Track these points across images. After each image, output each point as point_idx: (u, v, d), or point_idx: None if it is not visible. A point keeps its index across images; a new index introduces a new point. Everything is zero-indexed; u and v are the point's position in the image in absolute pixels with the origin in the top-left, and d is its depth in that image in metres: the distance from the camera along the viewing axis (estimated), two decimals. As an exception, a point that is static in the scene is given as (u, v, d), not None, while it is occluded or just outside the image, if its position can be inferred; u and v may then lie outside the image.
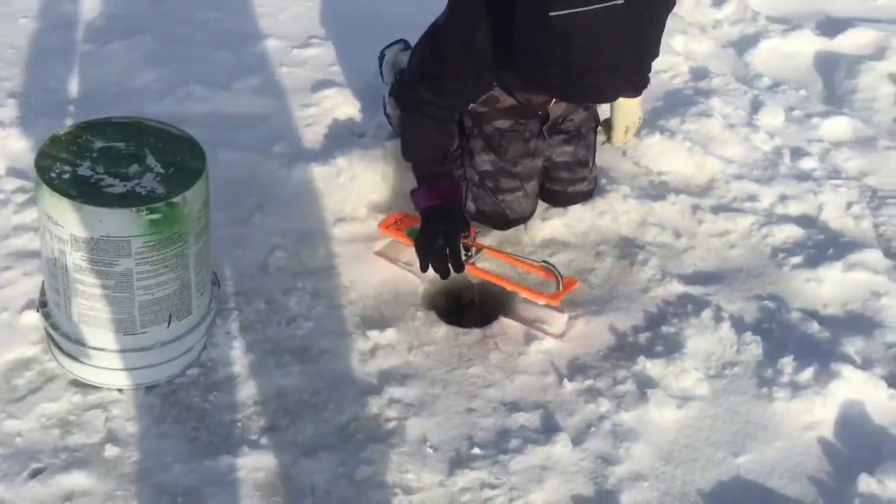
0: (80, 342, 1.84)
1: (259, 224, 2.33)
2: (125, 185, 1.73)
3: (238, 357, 2.01)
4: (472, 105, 2.36)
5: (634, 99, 2.58)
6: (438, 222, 2.14)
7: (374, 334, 2.09)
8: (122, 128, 1.87)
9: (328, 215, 2.40)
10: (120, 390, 1.91)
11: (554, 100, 2.31)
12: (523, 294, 2.19)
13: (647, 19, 1.89)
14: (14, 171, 2.42)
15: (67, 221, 1.68)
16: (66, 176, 1.72)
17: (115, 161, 1.78)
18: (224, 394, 1.93)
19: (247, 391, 1.94)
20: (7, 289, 2.09)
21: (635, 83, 2.19)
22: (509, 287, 2.19)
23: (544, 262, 2.19)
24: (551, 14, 1.77)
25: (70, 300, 1.79)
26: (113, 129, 1.86)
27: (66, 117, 2.63)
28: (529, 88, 2.18)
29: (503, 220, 2.39)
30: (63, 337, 1.86)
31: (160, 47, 2.94)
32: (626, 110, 2.60)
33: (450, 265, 2.12)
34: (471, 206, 2.38)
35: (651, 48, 2.04)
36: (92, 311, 1.79)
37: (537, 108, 2.35)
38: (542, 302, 2.16)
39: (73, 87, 2.77)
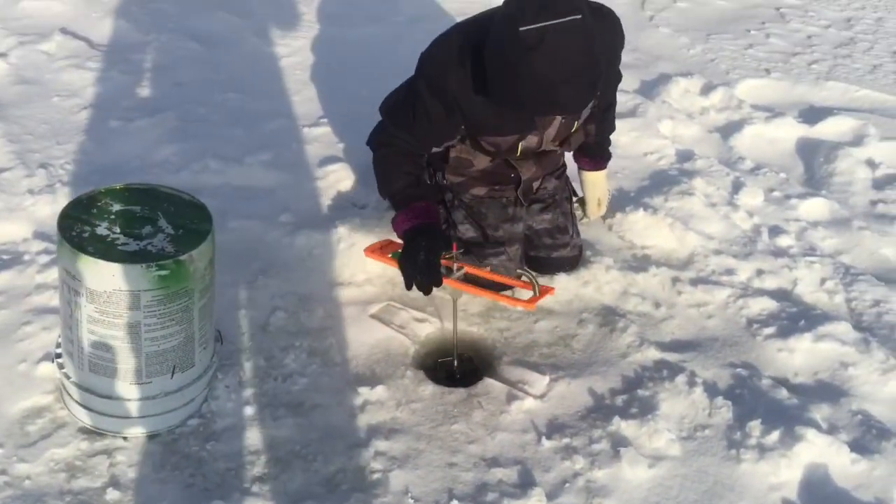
0: (90, 390, 1.98)
1: (263, 286, 2.49)
2: (138, 244, 1.90)
3: (236, 409, 2.14)
4: (448, 177, 2.56)
5: (601, 173, 2.74)
6: (419, 240, 2.24)
7: (364, 391, 2.22)
8: (138, 193, 2.06)
9: (327, 280, 2.56)
10: (125, 438, 2.03)
11: (521, 152, 2.42)
12: (502, 302, 2.33)
13: (597, 34, 2.10)
14: (40, 235, 2.61)
15: (84, 275, 1.85)
16: (86, 235, 1.89)
17: (131, 223, 1.95)
18: (221, 444, 2.06)
19: (242, 441, 2.07)
20: (27, 342, 2.24)
21: (593, 87, 2.19)
22: (488, 297, 2.31)
23: (522, 271, 2.37)
24: (521, 29, 2.01)
25: (83, 350, 1.94)
26: (130, 195, 2.04)
27: (90, 186, 2.75)
28: (499, 115, 2.27)
29: (489, 285, 2.52)
30: (74, 385, 2.00)
31: (181, 125, 3.16)
32: (595, 184, 2.76)
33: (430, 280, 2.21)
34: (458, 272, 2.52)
35: (599, 57, 2.14)
36: (102, 361, 1.94)
37: (507, 159, 2.49)
38: (519, 307, 2.32)
39: (99, 159, 2.98)
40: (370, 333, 2.41)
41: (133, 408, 2.00)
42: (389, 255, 2.38)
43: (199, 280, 1.95)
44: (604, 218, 2.86)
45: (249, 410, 2.14)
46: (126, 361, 1.94)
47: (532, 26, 2.00)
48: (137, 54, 3.64)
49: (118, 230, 1.93)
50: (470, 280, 2.33)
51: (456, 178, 2.60)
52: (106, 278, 1.84)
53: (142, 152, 3.03)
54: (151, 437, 2.05)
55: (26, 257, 2.52)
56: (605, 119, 2.69)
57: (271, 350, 2.32)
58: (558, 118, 2.37)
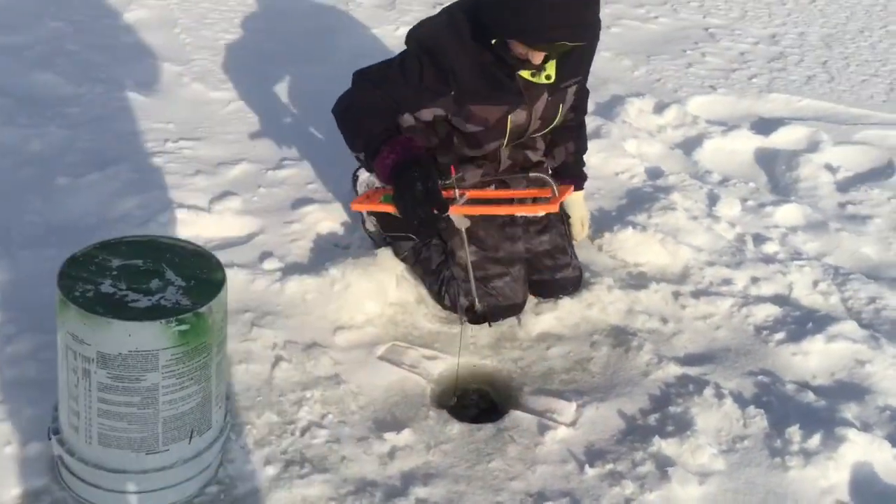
0: (100, 465, 1.79)
1: (259, 338, 2.33)
2: (150, 300, 1.73)
3: (256, 471, 1.97)
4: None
5: (580, 194, 2.72)
6: (412, 171, 2.12)
7: (390, 436, 2.09)
8: (136, 246, 1.89)
9: (326, 325, 2.42)
10: (139, 514, 1.84)
11: (510, 129, 2.38)
12: (521, 212, 2.25)
13: None
14: (2, 304, 2.37)
15: (95, 339, 1.67)
16: (90, 294, 1.71)
17: (136, 277, 1.78)
18: (248, 509, 1.89)
19: (271, 504, 1.90)
20: (8, 422, 2.01)
21: (591, 26, 2.23)
22: (503, 211, 2.21)
23: (532, 175, 2.29)
24: None
25: (91, 422, 1.75)
26: (127, 248, 1.87)
27: (49, 248, 2.61)
28: (490, 83, 2.28)
29: (497, 310, 2.44)
30: (80, 462, 1.80)
31: (137, 176, 2.97)
32: (576, 205, 2.72)
33: (434, 210, 2.10)
34: (464, 301, 2.43)
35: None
36: (115, 432, 1.75)
37: (499, 178, 2.49)
38: (541, 213, 2.27)
39: (53, 219, 2.76)
40: (382, 376, 2.28)
41: (149, 481, 1.81)
42: (380, 200, 2.21)
43: (217, 333, 1.79)
44: (591, 239, 2.83)
45: (271, 470, 1.98)
46: (142, 429, 1.76)
47: None
48: (72, 107, 3.42)
49: (124, 286, 1.75)
50: (476, 203, 2.22)
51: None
52: (121, 339, 1.66)
53: (98, 208, 2.83)
54: (169, 510, 1.86)
55: (-10, 329, 2.29)
56: (580, 136, 2.70)
57: (282, 404, 2.16)
58: (545, 95, 2.36)
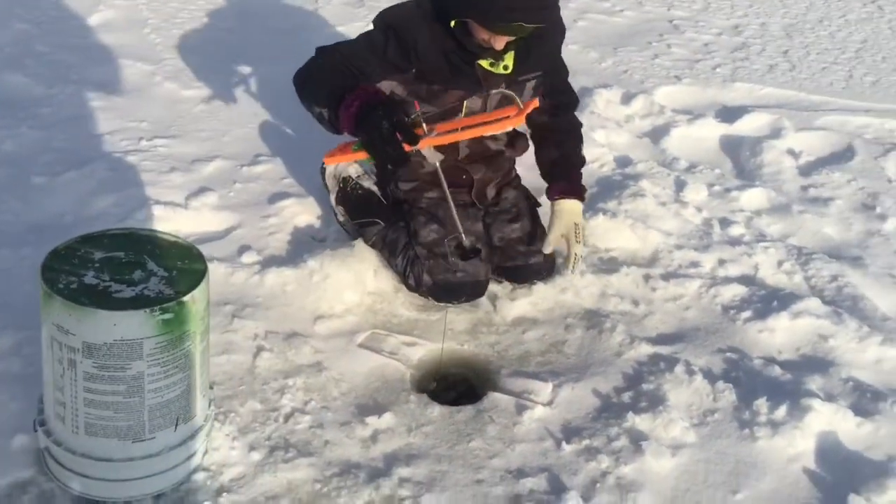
0: (87, 455, 1.82)
1: (240, 329, 2.37)
2: (133, 290, 1.77)
3: (242, 457, 2.01)
4: (401, 186, 2.59)
5: (573, 202, 2.58)
6: (377, 111, 2.12)
7: (372, 420, 2.13)
8: (117, 238, 1.92)
9: (306, 315, 2.46)
10: (128, 502, 1.87)
11: (465, 111, 2.43)
12: (488, 131, 2.29)
13: None
14: (-20, 301, 2.39)
15: (80, 329, 1.70)
16: (74, 286, 1.74)
17: (118, 269, 1.81)
18: (234, 494, 1.92)
19: (257, 489, 1.94)
20: (-10, 416, 2.04)
21: (548, 8, 2.29)
22: (472, 134, 2.24)
23: (498, 91, 2.33)
24: None
25: (77, 412, 1.78)
26: (109, 241, 1.90)
27: (26, 246, 2.62)
28: (451, 68, 2.34)
29: (459, 287, 2.49)
30: (67, 452, 1.83)
31: (113, 174, 2.99)
32: (563, 214, 2.56)
33: (403, 144, 2.10)
34: (427, 279, 2.49)
35: None
36: (101, 421, 1.78)
37: (457, 164, 2.55)
38: (509, 127, 2.30)
39: (29, 217, 2.77)
40: (362, 363, 2.33)
41: (136, 468, 1.84)
42: (352, 150, 2.24)
43: (199, 322, 1.83)
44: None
45: (256, 456, 2.01)
46: (128, 418, 1.79)
47: None
48: (44, 108, 3.43)
49: (108, 277, 1.79)
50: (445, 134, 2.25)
51: (408, 185, 2.60)
52: (106, 329, 1.69)
53: (75, 206, 2.84)
54: (157, 497, 1.89)
55: (-31, 326, 2.30)
56: (563, 142, 2.69)
57: (265, 392, 2.20)
58: (502, 86, 2.42)
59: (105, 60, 3.87)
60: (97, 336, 1.70)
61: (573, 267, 2.53)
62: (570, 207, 2.59)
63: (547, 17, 2.29)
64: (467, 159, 2.60)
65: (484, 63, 2.39)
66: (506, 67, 2.41)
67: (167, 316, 1.74)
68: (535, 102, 2.34)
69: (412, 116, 2.19)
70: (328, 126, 2.35)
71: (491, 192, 2.68)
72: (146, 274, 1.82)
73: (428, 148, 2.23)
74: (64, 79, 3.65)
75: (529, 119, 2.55)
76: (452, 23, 2.30)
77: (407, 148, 2.14)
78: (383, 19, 2.42)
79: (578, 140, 2.75)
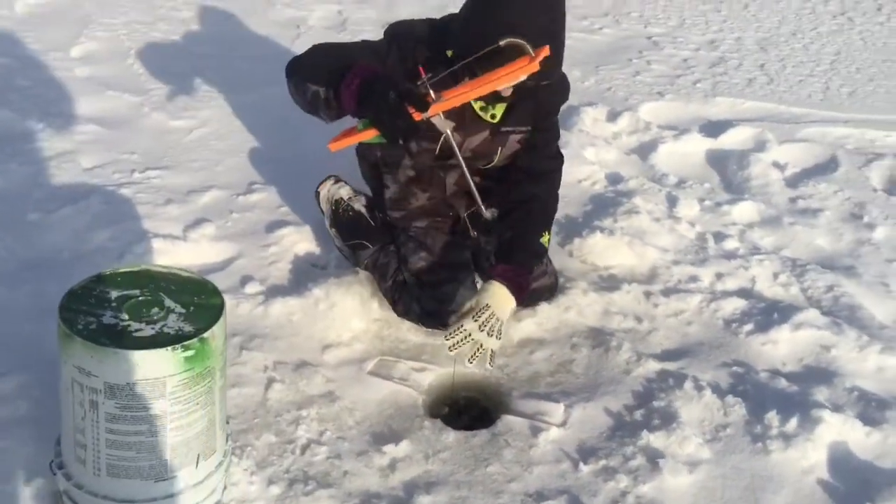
0: (109, 496, 1.80)
1: (249, 361, 2.36)
2: (153, 328, 1.76)
3: (261, 492, 2.00)
4: (391, 213, 2.57)
5: (502, 289, 2.26)
6: (379, 82, 2.04)
7: (389, 448, 2.13)
8: (131, 276, 1.91)
9: (314, 344, 2.46)
10: (150, 542, 1.85)
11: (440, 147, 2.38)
12: (501, 84, 2.07)
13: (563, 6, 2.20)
14: (-17, 341, 2.36)
15: (102, 370, 1.69)
16: (94, 326, 1.73)
17: (136, 307, 1.81)
18: (257, 529, 1.92)
19: (279, 523, 1.93)
20: (3, 461, 2.01)
21: (558, 61, 2.22)
22: (484, 89, 2.07)
23: (503, 44, 2.08)
24: None
25: (99, 453, 1.76)
26: (123, 279, 1.89)
27: (25, 284, 2.60)
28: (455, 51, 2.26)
29: (449, 315, 2.45)
30: (89, 495, 1.81)
31: (108, 208, 2.97)
32: (488, 294, 2.25)
33: (412, 113, 2.02)
34: (416, 307, 2.51)
35: (564, 31, 2.23)
36: (124, 462, 1.77)
37: (444, 199, 2.52)
38: (522, 76, 2.06)
39: (26, 255, 2.74)
40: (374, 391, 2.33)
41: (158, 508, 1.83)
42: (357, 130, 2.11)
43: (219, 357, 1.82)
44: (561, 245, 2.91)
45: (276, 490, 2.01)
46: (151, 457, 1.78)
47: None
48: (31, 143, 3.39)
49: (126, 317, 1.78)
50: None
51: (398, 214, 2.61)
52: (128, 369, 1.68)
53: (72, 242, 2.81)
54: (179, 537, 1.88)
55: (-27, 369, 2.27)
56: (528, 214, 2.46)
57: (279, 424, 2.19)
58: (486, 132, 2.40)
59: (90, 93, 3.85)
60: (119, 376, 1.69)
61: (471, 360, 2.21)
62: (496, 292, 2.24)
63: (552, 74, 2.22)
64: (454, 196, 2.59)
65: (475, 104, 2.36)
66: (493, 116, 2.39)
67: (189, 353, 1.73)
68: (546, 49, 2.09)
69: (418, 83, 2.09)
70: (324, 108, 2.21)
71: (492, 213, 2.60)
72: (164, 311, 1.81)
73: (438, 116, 2.12)
74: (50, 113, 3.62)
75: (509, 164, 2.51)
76: (449, 53, 2.27)
77: (417, 117, 2.05)
78: (392, 30, 2.39)
79: (541, 220, 2.50)
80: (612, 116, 3.84)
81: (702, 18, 5.14)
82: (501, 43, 2.09)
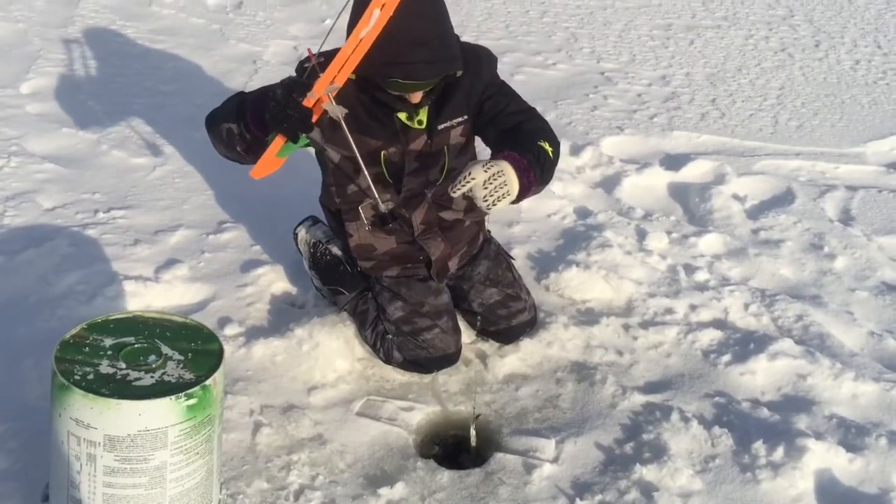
0: (105, 553, 1.73)
1: (234, 405, 2.31)
2: (152, 377, 1.71)
3: (257, 541, 1.96)
4: (361, 263, 2.56)
5: (507, 165, 2.11)
6: (269, 91, 2.08)
7: (384, 491, 2.11)
8: (123, 323, 1.86)
9: (299, 385, 2.42)
10: None
11: (384, 162, 2.38)
12: (362, 31, 2.03)
13: (443, 6, 2.22)
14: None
15: (101, 422, 1.63)
16: (91, 377, 1.68)
17: (132, 355, 1.76)
18: (256, 580, 1.87)
19: (279, 572, 1.89)
20: (-15, 517, 1.93)
21: (448, 60, 2.23)
22: (350, 48, 2.05)
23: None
24: None
25: (94, 508, 1.70)
26: (116, 326, 1.84)
27: (-8, 331, 2.51)
28: (368, 114, 2.30)
29: (429, 361, 2.50)
30: (82, 552, 1.74)
31: (75, 251, 2.89)
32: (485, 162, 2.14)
33: (302, 101, 2.01)
34: (397, 355, 2.50)
35: (450, 31, 2.25)
36: (120, 515, 1.71)
37: (415, 239, 2.51)
38: (377, 12, 2.02)
39: (-9, 300, 2.65)
40: (363, 431, 2.31)
41: (155, 563, 1.77)
42: (267, 141, 2.10)
43: (219, 404, 1.79)
44: (537, 280, 2.93)
45: (272, 538, 1.96)
46: (149, 510, 1.72)
47: None
48: (-12, 183, 3.30)
49: (124, 365, 1.73)
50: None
51: (367, 264, 2.59)
52: (130, 420, 1.64)
53: (39, 286, 2.73)
54: (176, 592, 1.81)
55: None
56: (519, 134, 2.35)
57: (270, 470, 2.15)
58: (423, 137, 2.40)
59: (46, 130, 3.76)
60: (120, 428, 1.64)
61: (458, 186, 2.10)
62: (507, 165, 2.12)
63: (447, 67, 2.23)
64: (423, 235, 2.55)
65: (402, 115, 2.37)
66: (420, 122, 2.39)
67: (192, 401, 1.69)
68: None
69: (306, 66, 2.09)
70: (239, 141, 2.22)
71: (454, 263, 2.62)
72: (161, 359, 1.77)
73: (330, 102, 2.08)
74: (5, 152, 3.53)
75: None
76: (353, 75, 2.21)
77: (308, 103, 2.03)
78: (301, 64, 2.35)
79: (536, 131, 2.36)
80: (576, 150, 3.90)
81: (651, 54, 5.28)
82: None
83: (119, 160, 3.58)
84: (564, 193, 3.56)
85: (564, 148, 3.90)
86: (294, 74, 2.31)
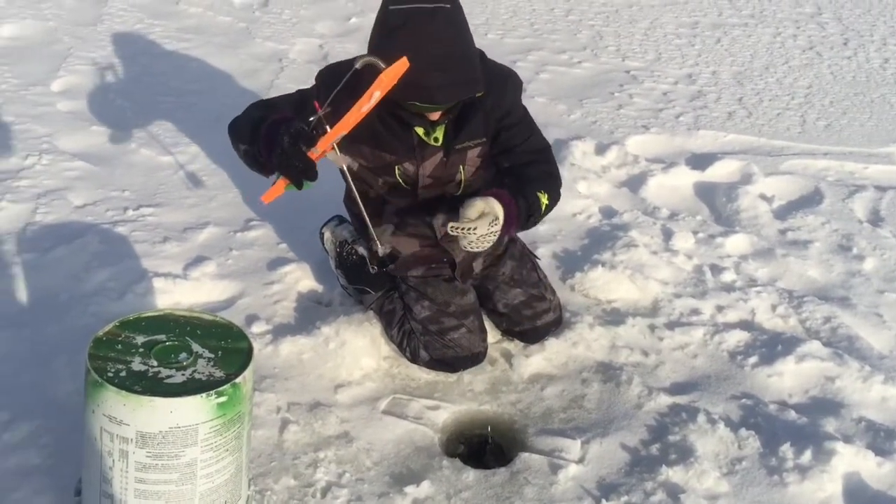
0: (136, 547, 1.76)
1: (262, 402, 2.33)
2: (183, 374, 1.74)
3: (285, 537, 1.98)
4: (389, 267, 2.54)
5: (494, 202, 2.20)
6: (277, 129, 2.06)
7: (410, 489, 2.12)
8: (155, 321, 1.88)
9: (326, 383, 2.44)
10: None
11: (399, 176, 2.39)
12: (362, 104, 2.05)
13: (464, 27, 2.21)
14: (-13, 391, 2.30)
15: (134, 418, 1.66)
16: (124, 374, 1.70)
17: (164, 353, 1.78)
18: (284, 577, 1.89)
19: (307, 569, 1.91)
20: (20, 510, 1.96)
21: (466, 83, 2.22)
22: (352, 115, 2.06)
23: (362, 59, 2.10)
24: (390, 7, 2.14)
25: (126, 503, 1.73)
26: (148, 324, 1.87)
27: (24, 327, 2.55)
28: (384, 128, 2.28)
29: (455, 361, 2.51)
30: (114, 546, 1.77)
31: (105, 248, 2.92)
32: (483, 200, 2.21)
33: (307, 152, 2.02)
34: (424, 355, 2.51)
35: (471, 53, 2.24)
36: (152, 511, 1.73)
37: (440, 244, 2.50)
38: (377, 94, 2.04)
39: (24, 297, 2.69)
40: (389, 430, 2.32)
41: (185, 558, 1.79)
42: (273, 180, 2.12)
43: (248, 402, 1.80)
44: (563, 280, 2.93)
45: (300, 535, 1.98)
46: (179, 506, 1.75)
47: (400, 7, 2.13)
48: (22, 180, 3.34)
49: (155, 363, 1.75)
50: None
51: (392, 265, 2.59)
52: (162, 417, 1.66)
53: (70, 283, 2.77)
54: (205, 587, 1.84)
55: (-18, 417, 2.22)
56: (519, 180, 2.39)
57: (297, 467, 2.16)
58: (439, 154, 2.39)
59: (76, 128, 3.80)
60: (152, 424, 1.67)
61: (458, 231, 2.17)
62: (495, 204, 2.20)
63: (466, 91, 2.23)
64: (447, 237, 2.50)
65: (419, 130, 2.36)
66: (436, 139, 2.39)
67: (222, 399, 1.71)
68: (404, 62, 2.04)
69: (311, 119, 2.09)
70: (255, 164, 2.24)
71: (478, 265, 2.62)
72: (192, 356, 1.79)
73: (333, 151, 2.11)
74: (37, 149, 3.57)
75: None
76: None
77: (313, 156, 2.05)
78: (321, 75, 2.37)
79: (537, 178, 2.41)
80: (601, 150, 3.89)
81: (677, 52, 5.25)
82: (357, 66, 2.11)
83: (148, 158, 3.62)
84: (590, 193, 3.55)
85: (590, 147, 3.91)
86: (320, 82, 2.32)
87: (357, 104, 2.08)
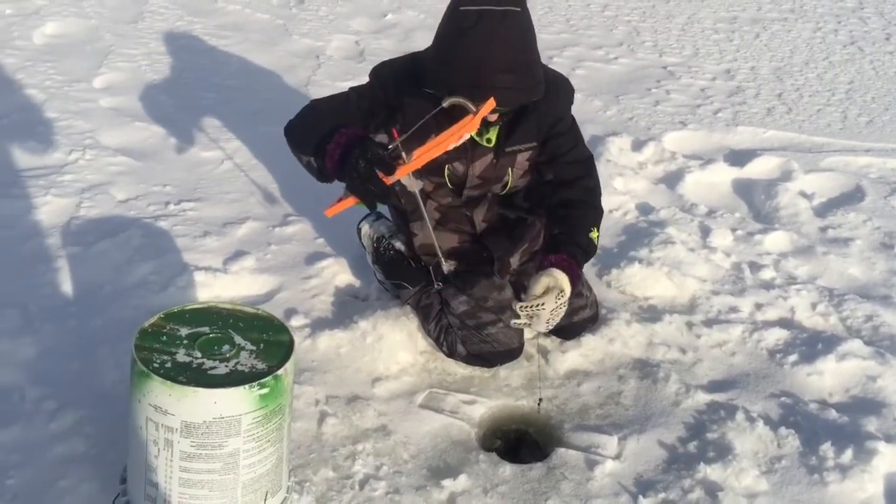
0: (180, 535, 1.79)
1: (300, 395, 2.36)
2: (226, 366, 1.76)
3: (324, 528, 2.00)
4: (423, 258, 2.57)
5: (559, 274, 2.29)
6: (352, 152, 2.09)
7: (448, 483, 2.13)
8: (198, 314, 1.91)
9: (363, 377, 2.46)
10: (218, 581, 1.84)
11: (448, 177, 2.44)
12: (449, 142, 2.12)
13: (531, 31, 2.25)
14: (35, 380, 2.35)
15: (179, 408, 1.69)
16: (169, 365, 1.74)
17: (207, 345, 1.81)
18: (323, 566, 1.91)
19: (345, 560, 1.93)
20: (67, 498, 2.00)
21: (532, 87, 2.26)
22: (435, 149, 2.12)
23: (453, 99, 2.17)
24: (461, 8, 2.18)
25: (171, 492, 1.76)
26: (191, 316, 1.90)
27: (69, 319, 2.60)
28: (435, 124, 2.27)
29: (492, 356, 2.52)
30: (158, 533, 1.80)
31: (148, 241, 2.97)
32: (546, 276, 2.30)
33: (383, 177, 2.06)
34: (461, 349, 2.52)
35: (536, 57, 2.28)
36: (195, 500, 1.76)
37: (478, 239, 2.54)
38: (466, 134, 2.11)
39: (69, 289, 2.74)
40: (426, 424, 2.34)
41: (227, 547, 1.83)
42: (342, 197, 2.17)
43: (289, 394, 1.83)
44: (599, 276, 2.93)
45: (339, 526, 2.01)
46: (222, 496, 1.77)
47: (471, 7, 2.17)
48: (66, 175, 3.40)
49: (199, 354, 1.78)
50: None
51: (430, 259, 2.60)
52: (206, 407, 1.69)
53: (113, 276, 2.82)
54: (246, 575, 1.87)
55: (27, 406, 2.27)
56: (566, 217, 2.44)
57: (335, 459, 2.19)
58: (489, 156, 2.42)
59: (118, 124, 3.87)
60: (196, 414, 1.69)
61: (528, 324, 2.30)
62: (563, 279, 2.29)
63: (530, 95, 2.26)
64: (486, 233, 2.58)
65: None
66: (488, 140, 2.42)
67: (264, 391, 1.74)
68: (492, 103, 2.13)
69: (390, 147, 2.14)
70: (317, 175, 2.30)
71: (515, 260, 2.62)
72: (235, 349, 1.82)
73: (407, 176, 2.19)
74: (80, 144, 3.64)
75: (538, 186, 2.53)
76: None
77: (387, 181, 2.10)
78: (376, 73, 2.42)
79: (584, 218, 2.45)
80: (637, 146, 3.87)
81: (715, 48, 5.21)
82: (445, 104, 2.19)
83: (188, 154, 3.67)
84: (626, 189, 3.54)
85: (626, 143, 3.89)
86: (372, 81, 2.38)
87: (443, 141, 2.15)
